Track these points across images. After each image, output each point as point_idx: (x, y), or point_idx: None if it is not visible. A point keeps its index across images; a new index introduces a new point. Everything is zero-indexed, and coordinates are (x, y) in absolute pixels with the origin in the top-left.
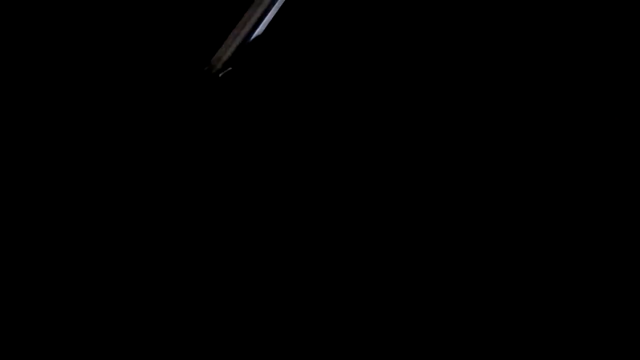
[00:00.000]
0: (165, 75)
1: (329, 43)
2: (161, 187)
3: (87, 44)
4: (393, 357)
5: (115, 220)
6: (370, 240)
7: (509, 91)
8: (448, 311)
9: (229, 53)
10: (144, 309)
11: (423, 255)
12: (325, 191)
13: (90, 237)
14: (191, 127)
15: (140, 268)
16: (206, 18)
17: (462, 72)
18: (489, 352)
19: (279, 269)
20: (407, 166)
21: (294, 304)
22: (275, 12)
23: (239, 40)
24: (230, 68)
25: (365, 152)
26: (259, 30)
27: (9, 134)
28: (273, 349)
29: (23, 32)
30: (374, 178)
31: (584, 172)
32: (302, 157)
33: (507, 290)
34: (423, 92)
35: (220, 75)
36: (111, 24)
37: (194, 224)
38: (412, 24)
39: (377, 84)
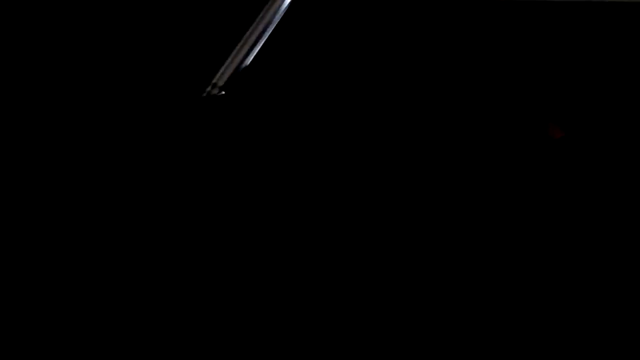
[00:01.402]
0: (163, 96)
1: (322, 67)
2: (158, 200)
3: (89, 62)
4: (393, 357)
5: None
6: (370, 243)
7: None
8: (447, 311)
9: (225, 78)
10: (143, 310)
11: (422, 255)
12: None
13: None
14: (187, 146)
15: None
16: (203, 44)
17: (454, 79)
18: (489, 352)
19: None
20: (398, 182)
21: (294, 305)
22: (267, 37)
23: (234, 65)
24: (223, 92)
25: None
26: (253, 56)
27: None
28: (273, 349)
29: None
30: (359, 204)
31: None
32: (294, 179)
33: (506, 289)
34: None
35: (217, 95)
36: (107, 52)
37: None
38: (399, 57)
39: (368, 106)
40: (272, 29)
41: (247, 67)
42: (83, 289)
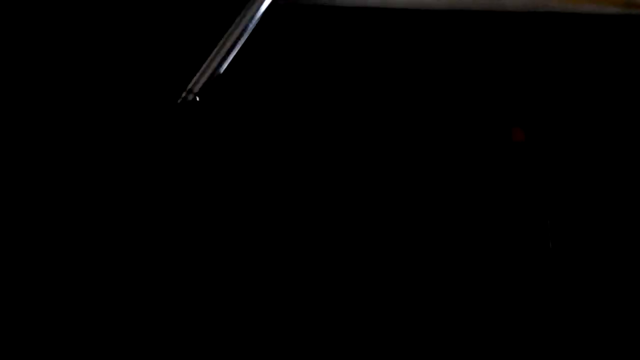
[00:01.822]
0: (138, 102)
1: (296, 74)
2: (133, 203)
3: (64, 67)
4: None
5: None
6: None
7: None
8: (447, 311)
9: (200, 84)
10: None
11: (422, 255)
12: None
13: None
14: (162, 151)
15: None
16: (178, 50)
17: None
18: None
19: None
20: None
21: (294, 305)
22: (242, 44)
23: (210, 71)
24: (198, 98)
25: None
26: (228, 62)
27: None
28: (273, 349)
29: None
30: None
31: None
32: (269, 184)
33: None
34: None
35: (192, 100)
36: (82, 58)
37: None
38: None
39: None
40: (247, 36)
41: (221, 73)
42: (69, 290)
